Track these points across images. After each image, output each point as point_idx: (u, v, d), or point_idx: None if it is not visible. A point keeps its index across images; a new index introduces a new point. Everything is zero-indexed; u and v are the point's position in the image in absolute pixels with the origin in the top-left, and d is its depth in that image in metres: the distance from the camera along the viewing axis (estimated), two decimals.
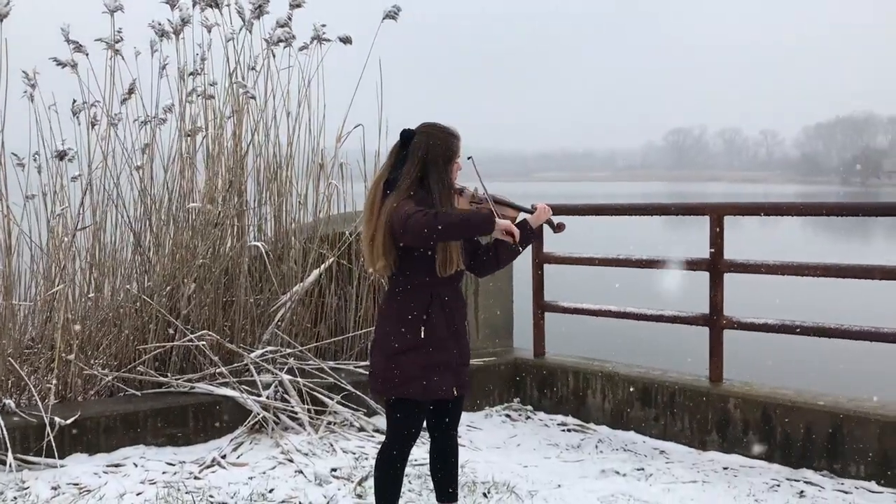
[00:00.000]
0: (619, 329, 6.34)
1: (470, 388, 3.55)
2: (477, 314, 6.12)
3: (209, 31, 6.09)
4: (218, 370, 5.10)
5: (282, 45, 6.14)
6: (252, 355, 5.21)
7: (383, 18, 6.06)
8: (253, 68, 6.14)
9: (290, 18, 5.74)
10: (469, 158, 3.55)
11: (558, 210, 5.75)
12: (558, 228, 3.62)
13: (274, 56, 6.01)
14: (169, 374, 5.11)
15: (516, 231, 3.22)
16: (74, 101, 5.88)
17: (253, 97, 5.59)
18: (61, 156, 5.77)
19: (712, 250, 5.09)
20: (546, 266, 5.91)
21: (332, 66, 6.36)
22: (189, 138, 5.81)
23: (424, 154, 3.34)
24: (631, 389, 5.35)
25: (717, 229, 5.09)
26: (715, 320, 5.10)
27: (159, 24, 6.03)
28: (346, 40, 6.21)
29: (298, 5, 5.91)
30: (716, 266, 5.09)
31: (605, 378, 5.47)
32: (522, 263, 6.00)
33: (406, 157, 3.39)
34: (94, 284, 5.42)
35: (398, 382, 3.29)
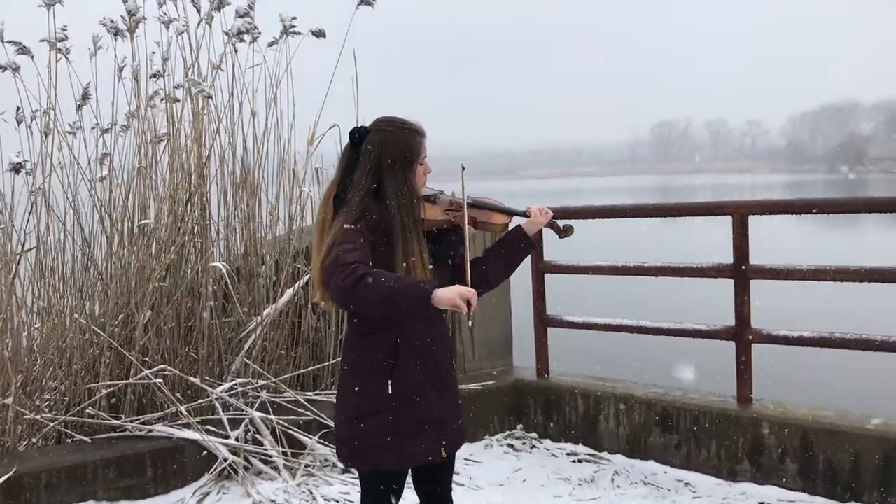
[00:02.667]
0: (631, 345, 5.75)
1: (464, 439, 2.93)
2: (472, 332, 5.50)
3: (167, 27, 5.47)
4: (184, 407, 4.47)
5: (246, 39, 5.54)
6: (218, 390, 4.59)
7: (358, 5, 5.45)
8: (218, 67, 5.53)
9: (251, 7, 5.10)
10: (462, 169, 2.94)
11: (560, 214, 5.19)
12: (565, 232, 3.02)
13: (236, 51, 5.38)
14: (123, 416, 4.48)
15: (469, 299, 2.47)
16: (19, 108, 5.26)
17: (210, 96, 4.96)
18: (17, 168, 5.15)
19: (736, 254, 4.50)
20: (548, 276, 5.30)
21: (302, 60, 5.76)
22: (151, 146, 5.18)
23: (377, 157, 2.70)
24: (649, 413, 4.75)
25: (741, 230, 4.49)
26: (742, 334, 4.51)
27: (112, 21, 5.40)
28: (319, 34, 5.60)
29: None
30: (741, 272, 4.49)
31: (618, 401, 4.87)
32: (521, 273, 5.40)
33: (357, 163, 2.75)
34: (39, 314, 4.78)
35: (366, 451, 2.66)
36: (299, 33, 5.64)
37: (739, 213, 4.48)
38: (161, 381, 4.30)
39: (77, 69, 5.25)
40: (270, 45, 5.65)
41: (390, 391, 2.68)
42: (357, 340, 2.78)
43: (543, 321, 5.29)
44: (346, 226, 2.63)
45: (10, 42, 5.16)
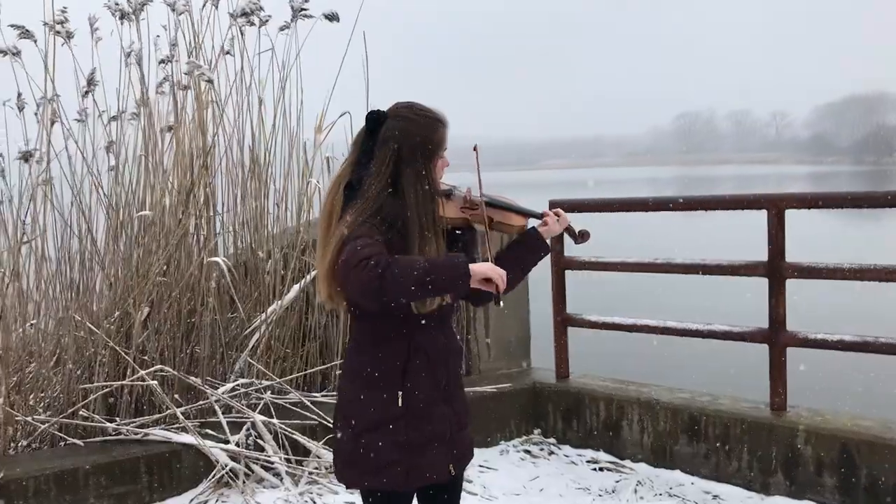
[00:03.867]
0: (656, 347, 5.44)
1: (473, 454, 2.69)
2: (487, 330, 5.24)
3: (173, 10, 5.23)
4: (179, 411, 4.24)
5: (255, 21, 5.30)
6: (220, 391, 4.35)
7: None
8: (227, 52, 5.28)
9: None
10: (474, 149, 2.66)
11: (582, 207, 4.89)
12: (581, 237, 2.78)
13: (242, 34, 5.13)
14: (119, 418, 4.25)
15: (501, 275, 2.30)
16: (20, 94, 5.04)
17: (210, 80, 4.70)
18: (26, 157, 4.94)
19: (771, 251, 4.20)
20: (568, 273, 5.02)
21: (313, 45, 5.50)
22: (154, 135, 4.94)
23: (397, 147, 2.44)
24: (675, 420, 4.46)
25: (778, 225, 4.19)
26: (776, 337, 4.21)
27: (116, 4, 5.17)
28: (332, 17, 5.35)
29: None
30: (777, 270, 4.19)
31: (642, 406, 4.58)
32: (540, 270, 5.13)
33: (373, 151, 2.48)
34: (37, 310, 4.57)
35: (369, 469, 2.41)
36: (311, 16, 5.39)
37: (776, 208, 4.18)
38: (156, 382, 4.06)
39: (78, 54, 5.03)
40: (282, 28, 5.41)
41: (400, 403, 2.44)
42: (364, 347, 2.53)
43: (563, 320, 5.00)
44: (359, 219, 2.39)
45: (11, 26, 4.94)
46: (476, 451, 4.91)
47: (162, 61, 5.19)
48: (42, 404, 4.38)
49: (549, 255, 4.58)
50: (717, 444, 4.31)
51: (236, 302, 4.74)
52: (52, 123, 5.04)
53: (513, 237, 2.82)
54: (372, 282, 2.20)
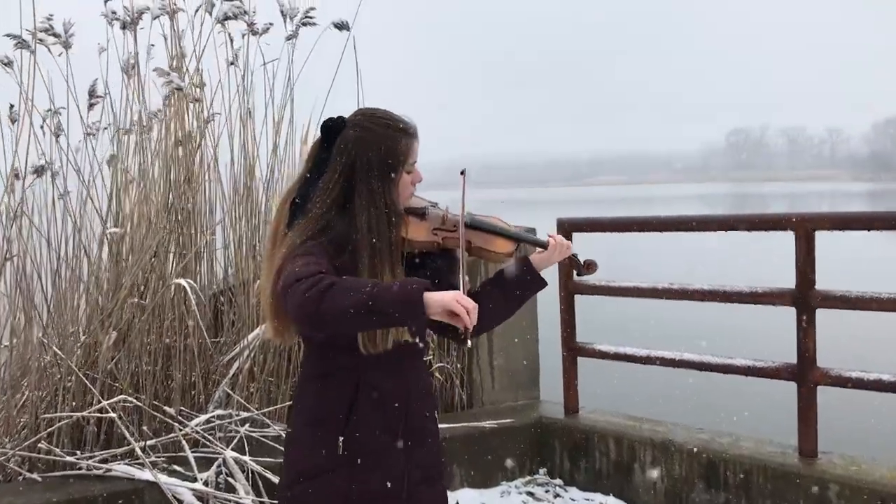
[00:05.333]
0: (673, 380, 4.98)
1: None
2: (491, 357, 4.84)
3: (171, 18, 4.97)
4: (149, 443, 3.93)
5: (257, 32, 5.02)
6: (193, 423, 4.02)
7: None
8: (233, 63, 5.01)
9: None
10: (462, 173, 2.28)
11: (585, 226, 4.48)
12: (587, 269, 2.39)
13: (232, 41, 4.85)
14: (81, 451, 3.95)
15: (468, 308, 1.87)
16: (12, 106, 4.81)
17: (180, 88, 4.41)
18: (39, 171, 4.71)
19: (799, 277, 3.75)
20: (578, 297, 4.60)
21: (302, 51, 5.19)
22: (177, 147, 4.66)
23: (351, 159, 2.11)
24: (691, 463, 4.01)
25: (806, 249, 3.73)
26: (805, 374, 3.75)
27: (113, 13, 4.91)
28: (341, 26, 5.05)
29: None
30: (805, 300, 3.73)
31: (656, 447, 4.13)
32: (549, 293, 4.73)
33: (326, 163, 2.16)
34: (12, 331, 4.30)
35: None
36: (314, 24, 5.10)
37: (804, 228, 3.72)
38: (115, 414, 3.74)
39: (58, 62, 4.78)
40: (289, 38, 5.12)
41: (341, 450, 2.10)
42: (309, 380, 2.21)
43: (572, 350, 4.58)
44: (299, 240, 2.05)
45: (7, 35, 4.71)
46: (475, 492, 4.50)
47: (167, 73, 4.94)
48: (6, 434, 4.10)
49: (557, 278, 4.22)
50: (739, 493, 3.84)
51: (223, 327, 4.44)
52: (57, 136, 4.82)
53: (501, 266, 2.45)
54: (307, 304, 1.85)
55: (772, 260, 4.93)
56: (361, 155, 2.10)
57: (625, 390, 5.54)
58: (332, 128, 2.17)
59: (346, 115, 2.25)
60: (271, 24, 5.09)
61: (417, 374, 2.24)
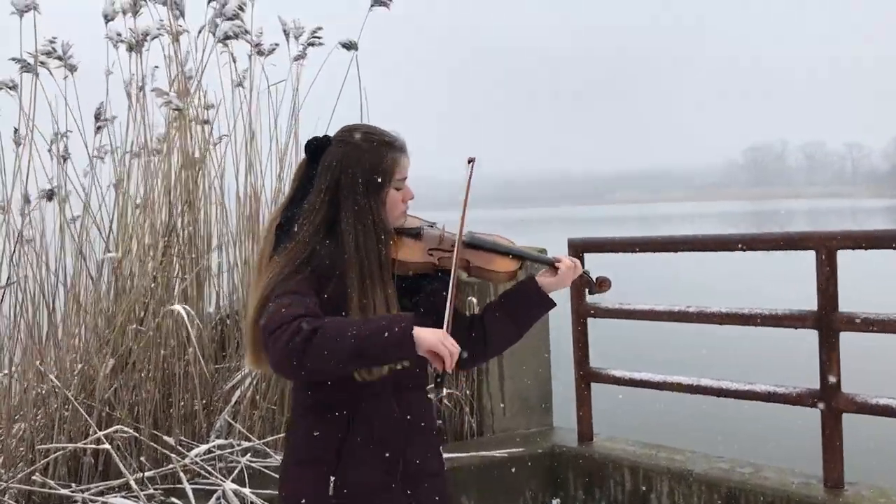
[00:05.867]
0: (692, 405, 4.80)
1: None
2: (502, 383, 4.69)
3: (176, 40, 4.89)
4: (146, 474, 3.81)
5: (263, 52, 4.95)
6: (192, 453, 3.90)
7: (372, 6, 4.77)
8: (240, 84, 4.94)
9: (242, 9, 4.45)
10: (470, 161, 2.19)
11: (599, 246, 4.33)
12: (600, 287, 2.26)
13: (235, 61, 4.77)
14: (78, 483, 3.83)
15: (451, 351, 1.82)
16: (16, 129, 4.73)
17: (179, 109, 4.33)
18: (48, 195, 4.63)
19: (821, 299, 3.58)
20: (591, 320, 4.45)
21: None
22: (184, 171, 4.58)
23: (335, 176, 2.01)
24: (710, 495, 3.83)
25: (828, 269, 3.57)
26: (830, 400, 3.57)
27: (118, 35, 4.83)
28: (349, 46, 4.97)
29: None
30: (827, 322, 3.56)
31: (673, 477, 3.96)
32: (560, 314, 4.58)
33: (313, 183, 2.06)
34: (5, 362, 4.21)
35: None
36: (320, 43, 5.03)
37: (826, 248, 3.56)
38: (108, 446, 3.62)
39: (59, 84, 4.70)
40: (297, 59, 5.05)
41: (332, 490, 1.98)
42: (300, 417, 2.10)
43: (585, 375, 4.43)
44: (286, 270, 1.94)
45: (13, 59, 4.64)
46: None
47: (175, 97, 4.86)
48: (3, 466, 3.98)
49: (569, 300, 4.07)
50: None
51: (226, 353, 4.33)
52: (64, 160, 4.76)
53: (506, 287, 2.32)
54: (291, 355, 1.78)
55: (796, 276, 4.76)
56: (346, 171, 2.01)
57: (641, 414, 5.36)
58: (317, 146, 2.08)
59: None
60: (277, 44, 5.02)
61: (418, 409, 2.11)
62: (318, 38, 5.07)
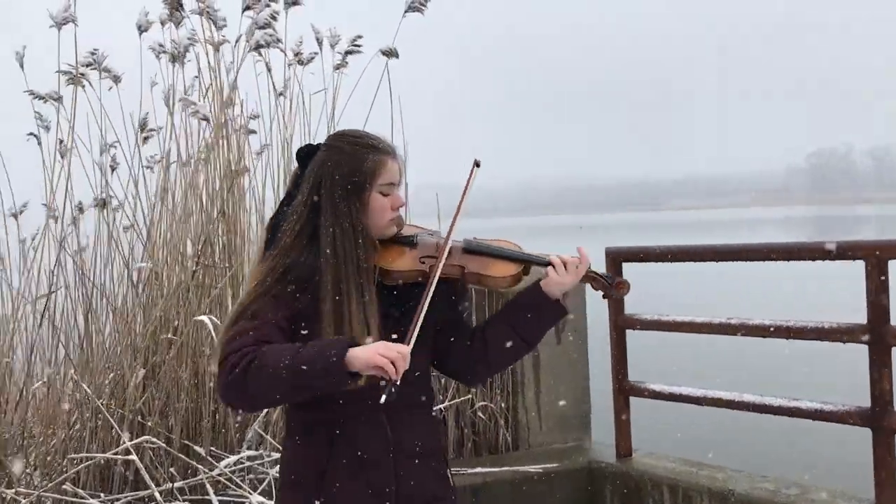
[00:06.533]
0: (735, 420, 4.60)
1: None
2: (538, 396, 4.56)
3: (216, 50, 4.91)
4: (174, 485, 3.80)
5: (303, 62, 4.94)
6: (222, 464, 3.87)
7: (406, 12, 4.72)
8: (281, 94, 4.94)
9: (274, 18, 4.43)
10: (476, 164, 2.10)
11: (632, 256, 4.19)
12: (618, 289, 2.08)
13: (270, 70, 4.76)
14: (107, 492, 3.83)
15: (395, 357, 1.72)
16: (61, 141, 4.80)
17: (206, 118, 4.32)
18: (102, 204, 4.69)
19: (872, 312, 3.38)
20: (630, 332, 4.30)
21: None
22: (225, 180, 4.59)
23: (318, 179, 1.96)
24: None
25: (879, 280, 3.37)
26: (881, 419, 3.37)
27: (160, 46, 4.86)
28: (390, 53, 4.94)
29: (295, 2, 4.62)
30: (879, 336, 3.36)
31: (714, 497, 3.78)
32: (598, 327, 4.45)
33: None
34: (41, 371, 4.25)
35: None
36: (356, 51, 5.00)
37: (876, 258, 3.36)
38: (138, 456, 3.61)
39: (96, 94, 4.73)
40: (337, 67, 5.03)
41: None
42: (286, 437, 2.04)
43: (624, 389, 4.27)
44: (267, 281, 1.89)
45: (60, 72, 4.69)
46: None
47: (224, 106, 4.88)
48: (35, 472, 4.01)
49: (607, 312, 3.93)
50: None
51: None
52: (113, 170, 4.81)
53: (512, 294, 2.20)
54: (230, 389, 1.78)
55: (847, 286, 4.54)
56: (327, 174, 1.96)
57: (682, 428, 5.17)
58: (306, 154, 2.04)
59: None
60: (316, 53, 5.00)
61: (414, 430, 1.99)
62: (358, 46, 5.04)
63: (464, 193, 2.10)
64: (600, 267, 4.35)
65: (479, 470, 4.12)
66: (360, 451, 1.91)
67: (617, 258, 4.25)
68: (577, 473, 4.27)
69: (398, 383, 1.72)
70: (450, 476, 2.09)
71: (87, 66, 4.72)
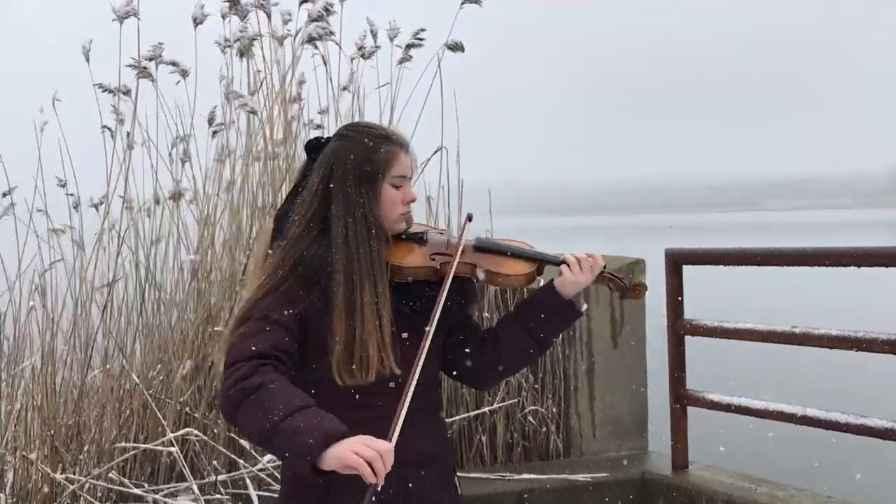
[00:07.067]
0: (796, 436, 4.31)
1: None
2: (592, 403, 4.39)
3: (280, 44, 4.92)
4: (218, 478, 3.80)
5: (366, 56, 4.90)
6: (265, 459, 3.85)
7: (462, 3, 4.62)
8: (345, 88, 4.93)
9: (327, 11, 4.38)
10: (468, 219, 2.07)
11: (688, 258, 3.97)
12: (634, 291, 2.01)
13: (326, 64, 4.73)
14: (150, 482, 3.86)
15: (368, 457, 1.58)
16: (129, 133, 4.88)
17: (254, 112, 4.30)
18: (175, 197, 4.79)
19: None
20: (689, 339, 4.09)
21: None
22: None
23: (328, 170, 1.90)
24: None
25: None
26: None
27: (226, 41, 4.90)
28: (455, 48, 4.85)
29: None
30: None
31: None
32: (656, 332, 4.25)
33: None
34: (96, 359, 4.32)
35: None
36: (418, 44, 4.92)
37: None
38: (177, 447, 3.62)
39: (159, 89, 4.78)
40: (401, 61, 4.97)
41: None
42: None
43: (681, 398, 4.07)
44: (277, 274, 1.84)
45: (129, 66, 4.78)
46: None
47: (293, 99, 4.89)
48: (86, 462, 4.08)
49: (666, 316, 3.76)
50: None
51: None
52: (184, 163, 4.88)
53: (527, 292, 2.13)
54: (225, 406, 1.73)
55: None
56: (338, 163, 1.89)
57: (741, 440, 4.90)
58: (316, 146, 1.98)
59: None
60: (378, 46, 4.94)
61: (424, 436, 1.92)
62: (421, 39, 4.96)
63: (460, 238, 2.00)
64: (660, 270, 4.19)
65: (524, 476, 3.99)
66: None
67: (677, 260, 4.05)
68: (629, 485, 4.08)
69: (379, 487, 1.59)
70: (457, 483, 2.01)
71: (150, 59, 4.79)
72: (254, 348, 1.71)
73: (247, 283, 2.10)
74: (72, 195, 4.68)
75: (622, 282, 1.99)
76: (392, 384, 1.85)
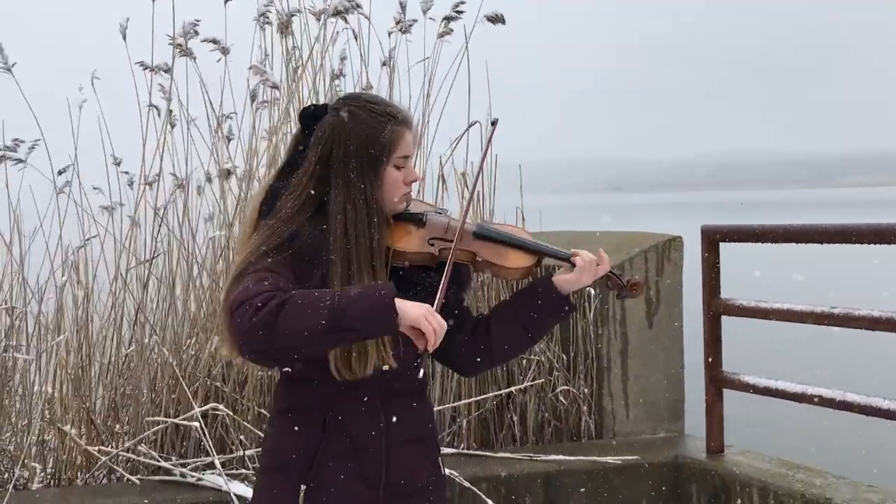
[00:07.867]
0: (836, 421, 4.10)
1: None
2: (626, 384, 4.28)
3: (318, 19, 4.88)
4: (245, 453, 3.83)
5: (405, 30, 4.84)
6: None
7: None
8: (385, 63, 4.88)
9: None
10: (493, 123, 2.08)
11: (736, 237, 3.80)
12: (631, 290, 1.95)
13: (357, 37, 4.67)
14: (178, 456, 3.91)
15: (436, 327, 1.60)
16: (171, 111, 4.91)
17: (276, 86, 4.27)
18: (226, 174, 4.84)
19: None
20: (726, 319, 3.94)
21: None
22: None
23: (327, 149, 1.81)
24: None
25: None
26: None
27: (264, 17, 4.88)
28: (495, 19, 4.76)
29: None
30: None
31: None
32: (693, 313, 4.11)
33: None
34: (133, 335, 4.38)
35: None
36: (459, 18, 4.82)
37: None
38: (201, 422, 3.65)
39: (195, 67, 4.77)
40: (441, 35, 4.89)
41: (302, 503, 1.80)
42: (273, 419, 1.96)
43: (717, 380, 3.93)
44: (262, 248, 1.75)
45: (171, 44, 4.80)
46: None
47: (336, 76, 4.86)
48: (124, 434, 4.16)
49: (701, 296, 3.64)
50: None
51: None
52: (229, 140, 4.90)
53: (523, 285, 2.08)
54: (255, 332, 1.58)
55: None
56: (339, 143, 1.80)
57: (780, 423, 4.71)
58: (312, 115, 1.88)
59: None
60: (415, 20, 4.86)
61: (409, 418, 1.88)
62: (461, 11, 4.86)
63: (483, 159, 1.96)
64: (696, 246, 4.03)
65: (552, 457, 3.90)
66: (352, 437, 1.81)
67: (713, 237, 3.90)
68: (662, 468, 3.97)
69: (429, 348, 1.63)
70: (441, 463, 1.97)
71: (185, 36, 4.79)
72: (260, 288, 1.62)
73: (237, 249, 2.04)
74: (126, 173, 4.73)
75: (620, 280, 1.94)
76: (387, 367, 1.79)
